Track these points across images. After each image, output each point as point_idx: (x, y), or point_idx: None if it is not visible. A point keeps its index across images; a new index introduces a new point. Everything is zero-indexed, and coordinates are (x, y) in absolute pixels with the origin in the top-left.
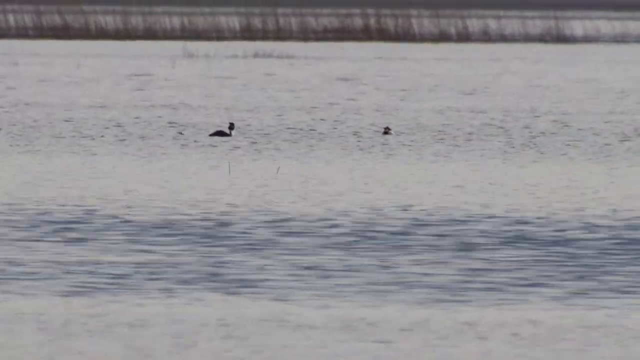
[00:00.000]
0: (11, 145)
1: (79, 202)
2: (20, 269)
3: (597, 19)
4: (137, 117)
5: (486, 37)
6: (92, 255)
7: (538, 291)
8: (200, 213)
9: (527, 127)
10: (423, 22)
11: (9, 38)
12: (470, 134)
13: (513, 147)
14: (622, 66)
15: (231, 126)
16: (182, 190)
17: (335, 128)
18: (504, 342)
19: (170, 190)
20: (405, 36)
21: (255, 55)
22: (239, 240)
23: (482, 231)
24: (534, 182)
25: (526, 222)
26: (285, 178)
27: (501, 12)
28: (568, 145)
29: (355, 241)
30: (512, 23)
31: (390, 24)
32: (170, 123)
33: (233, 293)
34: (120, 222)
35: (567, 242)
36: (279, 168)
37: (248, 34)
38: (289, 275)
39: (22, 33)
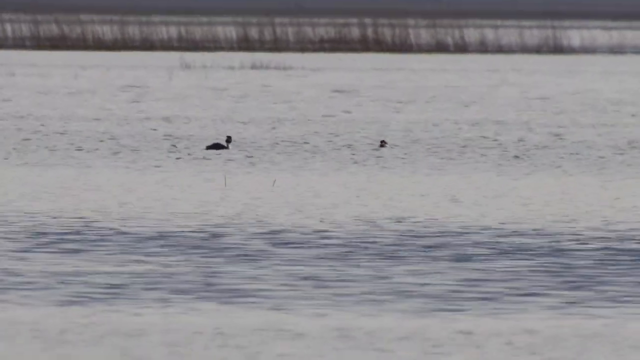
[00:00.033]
0: (6, 158)
1: (74, 214)
2: (16, 279)
3: (595, 29)
4: (132, 129)
5: (483, 48)
6: (88, 265)
7: (534, 301)
8: (196, 224)
9: (521, 139)
10: (420, 32)
11: (5, 48)
12: (464, 146)
13: (507, 160)
14: (618, 77)
15: (228, 139)
16: (178, 202)
17: (330, 141)
18: (500, 351)
19: (165, 202)
20: (402, 47)
21: (253, 67)
22: (234, 251)
23: (477, 242)
24: (529, 194)
25: (521, 234)
26: (281, 190)
27: (498, 22)
28: (562, 157)
29: (351, 252)
30: (509, 33)
31: (387, 34)
32: (165, 135)
33: (229, 303)
34: (116, 233)
35: (562, 252)
36: (275, 181)
37: (245, 44)
38: (285, 285)
39: (19, 43)
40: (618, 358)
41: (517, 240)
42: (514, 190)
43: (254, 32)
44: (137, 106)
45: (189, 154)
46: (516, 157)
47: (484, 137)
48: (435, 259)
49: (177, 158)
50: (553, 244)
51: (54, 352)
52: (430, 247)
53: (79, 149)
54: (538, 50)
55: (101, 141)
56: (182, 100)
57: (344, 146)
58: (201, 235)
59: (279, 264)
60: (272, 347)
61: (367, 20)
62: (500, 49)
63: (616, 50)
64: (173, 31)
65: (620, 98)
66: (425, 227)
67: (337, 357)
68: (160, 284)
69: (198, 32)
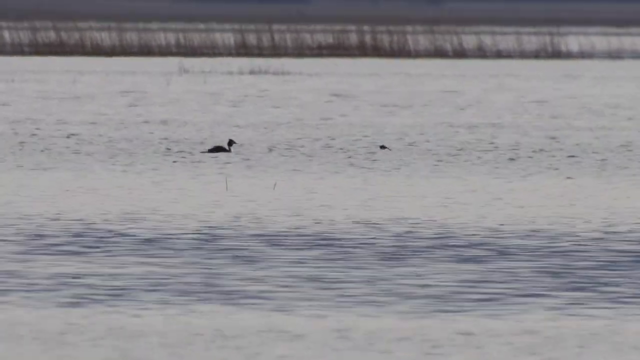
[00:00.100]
0: (4, 162)
1: (74, 216)
2: (16, 280)
3: (593, 35)
4: (130, 133)
5: (481, 53)
6: (88, 267)
7: (534, 301)
8: (195, 226)
9: (518, 142)
10: (418, 38)
11: (4, 55)
12: (461, 149)
13: (504, 162)
14: (615, 82)
15: (230, 142)
16: (178, 205)
17: (328, 144)
18: (500, 352)
19: (164, 204)
20: (400, 52)
21: (251, 72)
22: (235, 253)
23: (476, 243)
24: (527, 196)
25: (520, 235)
26: (279, 193)
27: (496, 29)
28: (559, 160)
29: (350, 253)
30: (507, 39)
31: (385, 40)
32: (163, 139)
33: (228, 304)
34: (116, 235)
35: (561, 253)
36: (275, 184)
37: (243, 50)
38: (286, 286)
39: (17, 50)
40: (618, 358)
41: (516, 241)
42: (512, 192)
43: (252, 38)
44: (135, 111)
45: (183, 158)
46: (512, 159)
47: (480, 140)
48: (435, 260)
49: (174, 161)
50: (552, 244)
51: (54, 353)
52: (429, 247)
53: (78, 153)
54: (536, 55)
55: (100, 145)
56: (180, 105)
57: (341, 149)
58: (200, 237)
59: (278, 266)
60: (272, 348)
61: (365, 27)
62: (498, 55)
63: (614, 55)
64: (171, 37)
65: (618, 102)
66: (424, 229)
67: (337, 358)
68: (160, 286)
69: (196, 38)
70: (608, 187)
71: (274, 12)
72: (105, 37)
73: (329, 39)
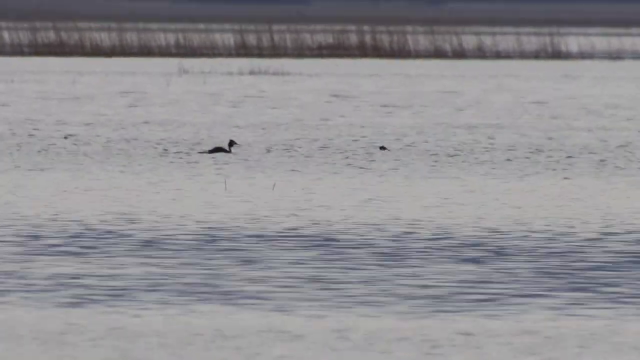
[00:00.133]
0: (3, 162)
1: (73, 217)
2: (16, 281)
3: (593, 35)
4: (130, 134)
5: (481, 54)
6: (88, 268)
7: (533, 302)
8: (196, 227)
9: (516, 143)
10: (418, 39)
11: (4, 55)
12: (459, 150)
13: (503, 163)
14: (615, 83)
15: (231, 143)
16: (177, 205)
17: (328, 146)
18: (499, 352)
19: (164, 205)
20: (400, 53)
21: (251, 72)
22: (235, 253)
23: (475, 243)
24: (526, 196)
25: (520, 235)
26: (278, 193)
27: (496, 29)
28: (557, 161)
29: (350, 254)
30: (507, 40)
31: (385, 40)
32: (163, 140)
33: (229, 304)
34: (116, 236)
35: (560, 253)
36: (274, 184)
37: (243, 50)
38: (285, 286)
39: (17, 50)
40: (618, 358)
41: (516, 241)
42: (511, 192)
43: (252, 39)
44: (135, 111)
45: (180, 158)
46: (511, 160)
47: (480, 141)
48: (434, 260)
49: (171, 162)
50: (551, 245)
51: (53, 353)
52: (429, 248)
53: (78, 154)
54: (536, 56)
55: (99, 145)
56: (180, 106)
57: (341, 150)
58: (199, 237)
59: (278, 266)
60: (272, 349)
61: (365, 27)
62: (498, 55)
63: (614, 56)
64: (171, 38)
65: (617, 103)
66: (423, 229)
67: (336, 358)
68: (160, 286)
69: (196, 39)
70: (607, 187)
71: (273, 13)
72: (104, 38)
73: (329, 40)
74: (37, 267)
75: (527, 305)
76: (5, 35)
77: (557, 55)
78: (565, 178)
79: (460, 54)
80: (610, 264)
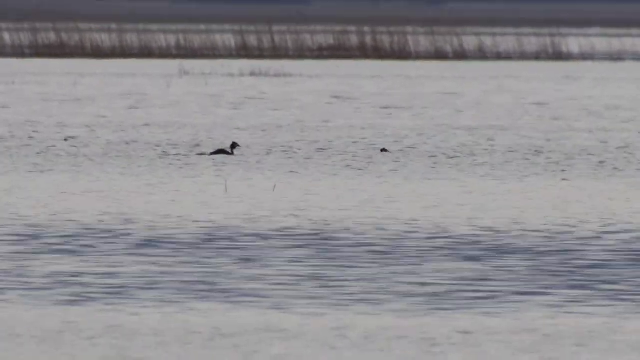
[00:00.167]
0: (3, 164)
1: (72, 217)
2: (15, 279)
3: (593, 36)
4: (130, 136)
5: (482, 55)
6: (86, 266)
7: (532, 299)
8: (195, 227)
9: (517, 144)
10: (419, 39)
11: (5, 57)
12: (459, 151)
13: (503, 164)
14: (615, 84)
15: (233, 145)
16: (177, 206)
17: (328, 147)
18: (498, 350)
19: (164, 206)
20: (401, 54)
21: (251, 74)
22: (233, 252)
23: (474, 242)
24: (526, 196)
25: (519, 234)
26: (278, 194)
27: (497, 30)
28: (557, 162)
29: (348, 252)
30: (507, 40)
31: (385, 41)
32: (163, 141)
33: (227, 302)
34: (114, 235)
35: (560, 252)
36: (275, 185)
37: (244, 52)
38: (283, 284)
39: (18, 52)
40: (617, 357)
41: (515, 240)
42: (511, 192)
43: (253, 40)
44: (136, 113)
45: (178, 160)
46: (510, 161)
47: (479, 142)
48: (433, 258)
49: (170, 164)
50: (550, 243)
51: (52, 352)
52: (427, 246)
53: (78, 156)
54: (536, 57)
55: (98, 147)
56: (181, 107)
57: (341, 151)
58: (198, 236)
59: (276, 264)
60: (270, 347)
61: (366, 28)
62: (498, 56)
63: (614, 57)
64: (171, 39)
65: (618, 104)
66: (421, 228)
67: (335, 356)
68: (158, 284)
69: (197, 40)
70: (606, 188)
71: (274, 13)
72: (105, 39)
73: (330, 40)
74: (36, 265)
75: (525, 303)
76: (6, 36)
77: (558, 56)
78: (564, 179)
79: (460, 55)
80: (609, 262)
